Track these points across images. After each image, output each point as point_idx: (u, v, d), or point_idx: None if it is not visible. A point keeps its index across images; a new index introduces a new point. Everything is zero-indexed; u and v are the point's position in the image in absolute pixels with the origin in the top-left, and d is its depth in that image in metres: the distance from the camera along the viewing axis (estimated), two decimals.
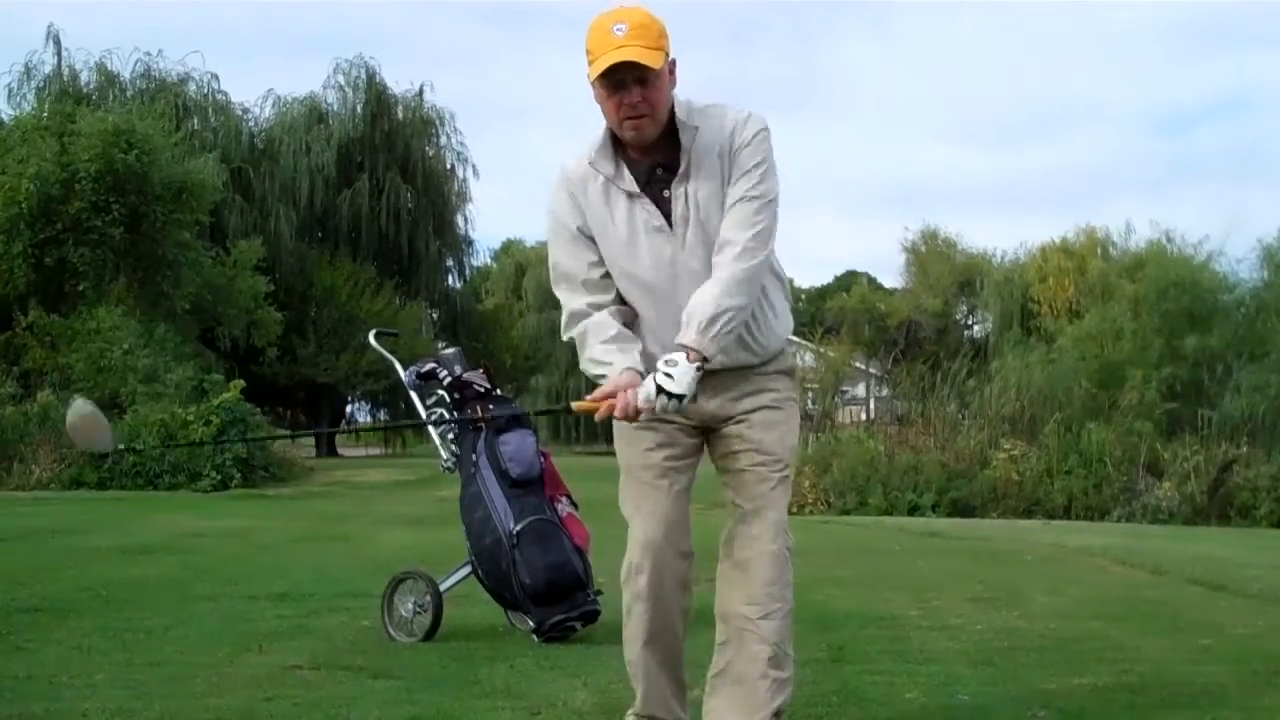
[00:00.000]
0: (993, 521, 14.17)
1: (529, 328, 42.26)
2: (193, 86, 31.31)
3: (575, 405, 3.06)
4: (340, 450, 36.72)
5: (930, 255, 39.77)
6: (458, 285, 37.70)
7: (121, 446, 3.56)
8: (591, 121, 3.09)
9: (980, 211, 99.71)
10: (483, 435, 5.21)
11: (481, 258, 44.37)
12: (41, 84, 29.10)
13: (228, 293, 25.40)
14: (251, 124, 32.86)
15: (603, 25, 2.96)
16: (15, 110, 27.43)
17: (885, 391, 28.64)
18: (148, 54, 30.58)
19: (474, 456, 5.19)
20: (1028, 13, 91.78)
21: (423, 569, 5.45)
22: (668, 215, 3.08)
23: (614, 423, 3.27)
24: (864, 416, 25.56)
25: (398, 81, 37.94)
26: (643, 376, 2.99)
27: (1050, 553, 9.43)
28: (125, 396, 20.49)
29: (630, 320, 3.15)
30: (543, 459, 5.29)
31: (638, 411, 2.96)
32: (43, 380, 21.21)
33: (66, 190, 21.87)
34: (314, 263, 31.45)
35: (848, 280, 50.78)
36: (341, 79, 34.01)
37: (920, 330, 38.38)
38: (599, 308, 3.13)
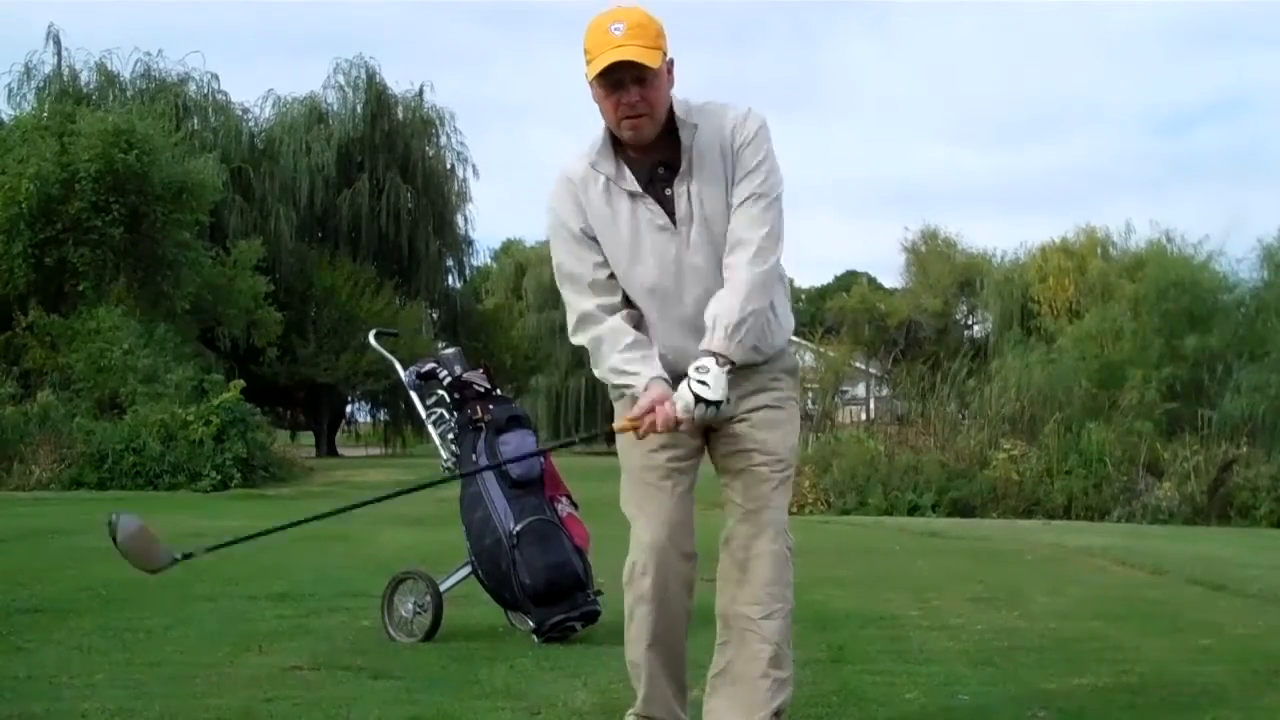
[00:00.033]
0: (993, 521, 14.17)
1: (529, 328, 42.23)
2: (193, 86, 31.35)
3: (616, 427, 3.04)
4: (340, 450, 36.76)
5: (930, 255, 39.76)
6: (458, 285, 37.71)
7: (178, 556, 3.49)
8: (591, 121, 3.11)
9: (980, 211, 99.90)
10: (483, 435, 5.21)
11: (481, 258, 44.44)
12: (41, 84, 29.12)
13: (228, 293, 25.40)
14: (251, 124, 32.88)
15: (600, 25, 2.96)
16: (15, 110, 27.50)
17: (885, 391, 28.64)
18: (148, 54, 30.65)
19: (474, 457, 5.19)
20: (1028, 13, 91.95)
21: (423, 569, 5.45)
22: (671, 214, 3.08)
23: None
24: (864, 416, 25.55)
25: (398, 81, 38.03)
26: (667, 384, 2.99)
27: (1050, 553, 9.42)
28: (125, 396, 20.51)
29: (638, 322, 3.14)
30: (543, 459, 5.29)
31: (678, 423, 2.97)
32: (43, 380, 21.22)
33: (66, 190, 21.87)
34: (314, 263, 31.45)
35: (848, 280, 50.77)
36: (341, 79, 34.07)
37: (920, 330, 38.36)
38: (608, 310, 3.11)
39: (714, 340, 2.98)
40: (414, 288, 34.42)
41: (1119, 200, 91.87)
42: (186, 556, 3.19)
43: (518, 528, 5.04)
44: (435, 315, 36.61)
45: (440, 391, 5.47)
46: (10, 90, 29.05)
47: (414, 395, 5.60)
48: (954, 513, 15.14)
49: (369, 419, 42.30)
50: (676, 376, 3.01)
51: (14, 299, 22.62)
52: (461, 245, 36.79)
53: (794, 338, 3.25)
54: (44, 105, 26.24)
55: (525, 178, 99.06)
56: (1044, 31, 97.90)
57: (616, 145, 3.08)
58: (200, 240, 24.92)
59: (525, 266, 46.43)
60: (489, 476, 5.14)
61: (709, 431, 3.21)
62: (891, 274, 55.43)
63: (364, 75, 33.85)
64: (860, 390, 30.68)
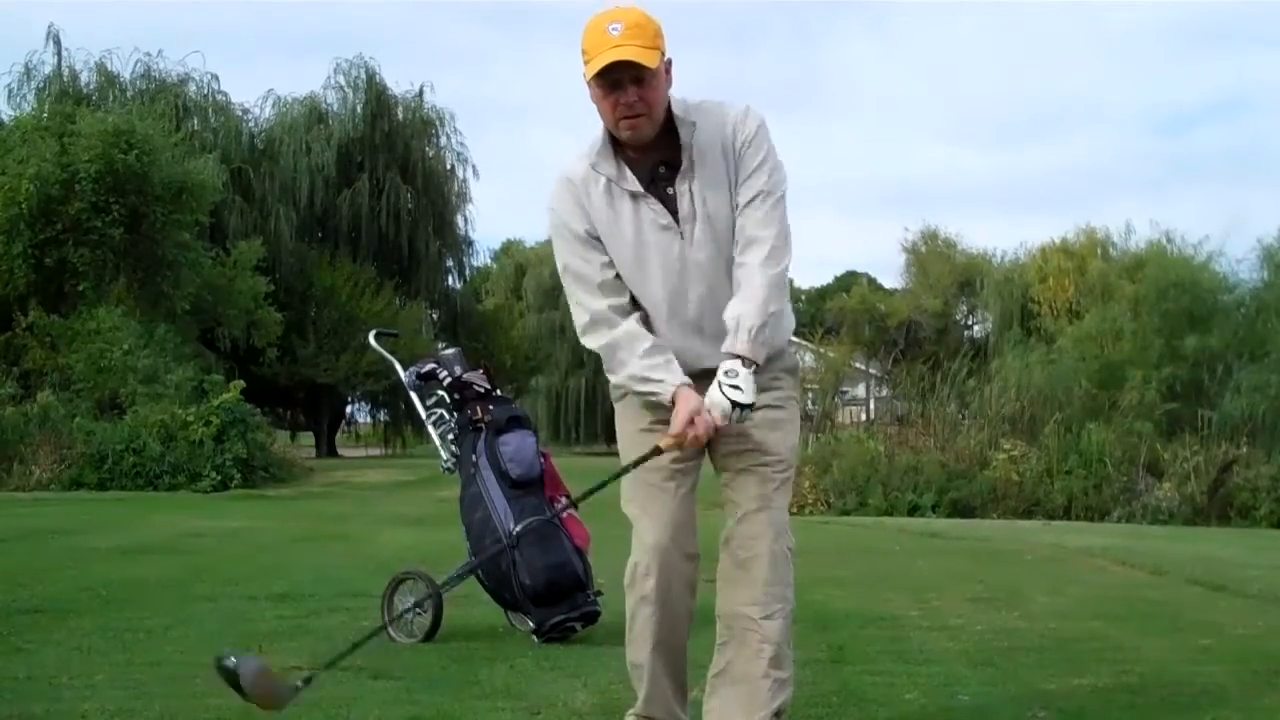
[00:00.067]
0: (993, 522, 14.17)
1: (529, 328, 42.27)
2: (193, 87, 31.33)
3: (663, 444, 3.03)
4: (340, 450, 36.75)
5: (930, 255, 39.73)
6: (458, 285, 37.71)
7: (299, 685, 3.44)
8: (591, 121, 3.11)
9: (980, 211, 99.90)
10: (483, 436, 5.21)
11: (481, 258, 44.43)
12: (41, 84, 29.10)
13: (228, 293, 25.39)
14: (251, 124, 32.88)
15: (598, 25, 2.95)
16: (15, 110, 27.46)
17: (885, 392, 28.62)
18: (148, 54, 30.63)
19: (474, 457, 5.19)
20: (1028, 13, 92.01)
21: (423, 569, 5.46)
22: (673, 213, 3.07)
23: (618, 424, 3.28)
24: (864, 416, 25.55)
25: (398, 82, 38.00)
26: (692, 389, 3.00)
27: (1050, 553, 9.42)
28: (125, 397, 20.51)
29: (646, 323, 3.14)
30: (543, 459, 5.29)
31: (717, 429, 2.99)
32: (43, 380, 21.21)
33: (66, 190, 21.86)
34: (314, 263, 31.44)
35: (848, 280, 50.75)
36: (341, 79, 34.07)
37: (920, 330, 38.35)
38: (620, 311, 3.10)
39: (738, 343, 2.98)
40: (414, 288, 34.42)
41: (1119, 200, 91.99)
42: (306, 682, 3.13)
43: (518, 528, 5.04)
44: (435, 316, 36.60)
45: (440, 392, 5.46)
46: (10, 90, 29.10)
47: (414, 396, 5.60)
48: (954, 513, 15.14)
49: (369, 419, 42.32)
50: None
51: (14, 299, 22.61)
52: (461, 245, 36.82)
53: (794, 338, 3.26)
54: (44, 105, 26.22)
55: (525, 178, 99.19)
56: (1044, 31, 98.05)
57: (616, 145, 3.08)
58: (200, 240, 24.90)
59: (525, 267, 46.48)
60: (489, 477, 5.14)
61: None
62: (891, 274, 55.53)
63: (364, 75, 33.87)
64: (860, 390, 30.67)
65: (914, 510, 15.33)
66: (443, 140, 35.21)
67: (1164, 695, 4.04)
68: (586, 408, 41.12)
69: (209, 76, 31.79)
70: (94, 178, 21.62)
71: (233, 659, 3.04)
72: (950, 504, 15.41)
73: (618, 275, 3.12)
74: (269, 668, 3.11)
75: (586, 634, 5.07)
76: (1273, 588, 6.86)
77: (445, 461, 5.43)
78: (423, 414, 5.56)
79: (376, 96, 33.68)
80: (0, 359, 21.99)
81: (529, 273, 45.04)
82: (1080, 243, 33.63)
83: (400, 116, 34.24)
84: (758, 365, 2.99)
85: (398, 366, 5.71)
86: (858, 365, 32.09)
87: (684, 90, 3.09)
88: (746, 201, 3.05)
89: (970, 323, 41.10)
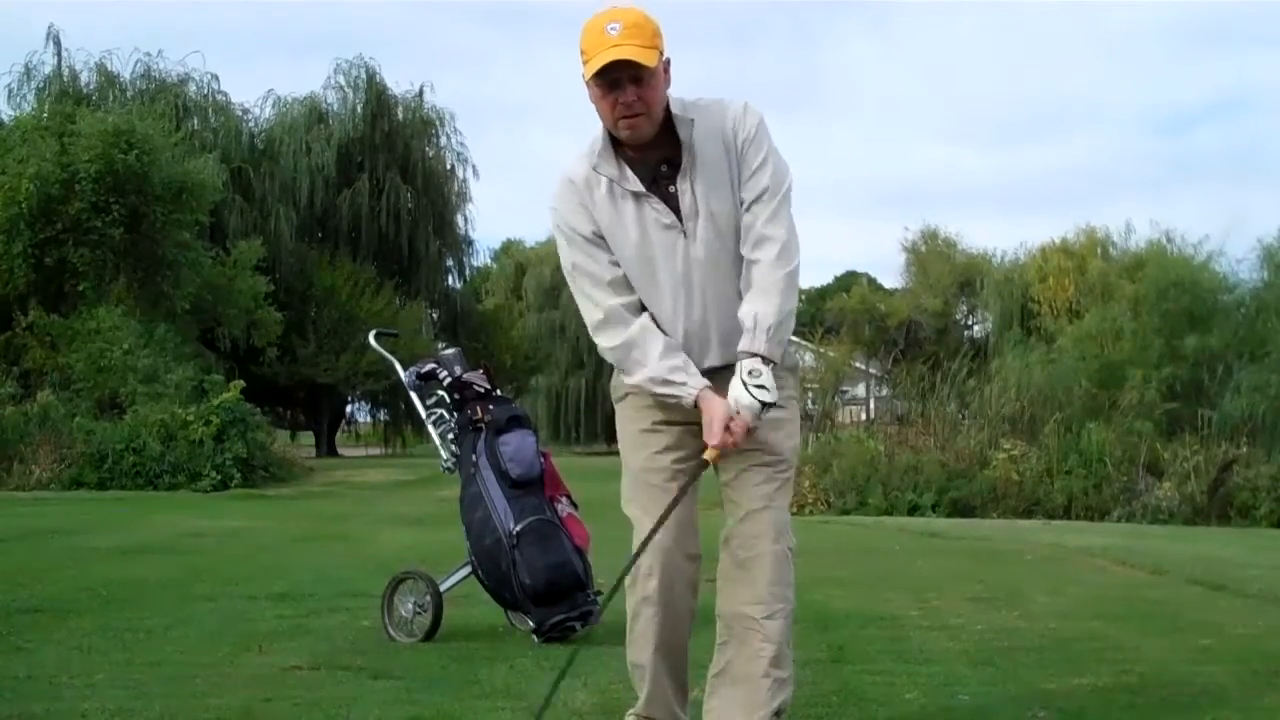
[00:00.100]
0: (993, 521, 14.16)
1: (529, 328, 42.26)
2: (193, 87, 31.36)
3: (710, 457, 3.02)
4: (340, 450, 36.76)
5: (930, 255, 39.74)
6: (458, 285, 37.72)
7: None
8: (591, 121, 3.10)
9: (980, 211, 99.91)
10: (483, 435, 5.20)
11: (481, 258, 44.43)
12: (41, 84, 29.11)
13: (228, 293, 25.40)
14: (251, 124, 32.89)
15: (597, 25, 2.95)
16: (15, 110, 27.48)
17: (885, 391, 28.63)
18: (148, 54, 30.66)
19: (474, 457, 5.19)
20: (1028, 13, 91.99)
21: (423, 569, 5.46)
22: (676, 211, 3.07)
23: (619, 425, 3.27)
24: (864, 416, 25.54)
25: (398, 82, 38.02)
26: (712, 391, 3.01)
27: (1050, 553, 9.42)
28: (125, 396, 20.51)
29: (653, 321, 3.14)
30: (543, 459, 5.28)
31: (750, 431, 3.00)
32: (43, 380, 21.22)
33: (66, 190, 21.87)
34: (314, 263, 31.45)
35: (848, 280, 50.73)
36: (341, 79, 34.08)
37: (920, 330, 38.35)
38: (632, 308, 3.10)
39: (757, 342, 2.98)
40: (414, 288, 34.42)
41: (1119, 200, 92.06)
42: None
43: (518, 528, 5.04)
44: (435, 315, 36.61)
45: (440, 392, 5.46)
46: (10, 90, 29.11)
47: (414, 395, 5.60)
48: (954, 513, 15.13)
49: (369, 419, 42.34)
50: None
51: (14, 299, 22.62)
52: (461, 245, 36.82)
53: (794, 337, 3.26)
54: (44, 105, 26.23)
55: (525, 178, 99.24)
56: (1044, 31, 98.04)
57: (616, 145, 3.07)
58: (200, 240, 24.92)
59: (525, 266, 46.46)
60: (489, 477, 5.14)
61: None
62: (891, 274, 55.48)
63: (364, 75, 33.88)
64: (860, 390, 30.68)
65: (914, 510, 15.32)
66: (443, 140, 35.28)
67: (1164, 695, 4.04)
68: (586, 408, 41.11)
69: (209, 76, 31.89)
70: (94, 177, 21.63)
71: None
72: (950, 504, 15.40)
73: (624, 275, 3.12)
74: None
75: (586, 634, 5.07)
76: (1273, 588, 6.86)
77: (445, 461, 5.43)
78: (423, 414, 5.56)
79: (376, 96, 33.69)
80: (0, 359, 22.00)
81: (529, 272, 45.03)
82: (1080, 243, 33.65)
83: (400, 116, 34.25)
84: (774, 364, 3.00)
85: (398, 366, 5.71)
86: (858, 365, 32.10)
87: (683, 90, 3.09)
88: (753, 199, 3.05)
89: (970, 322, 41.12)
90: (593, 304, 3.12)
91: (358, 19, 66.34)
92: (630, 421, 3.22)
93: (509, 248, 53.56)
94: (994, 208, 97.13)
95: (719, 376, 3.07)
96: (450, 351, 5.55)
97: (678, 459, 3.16)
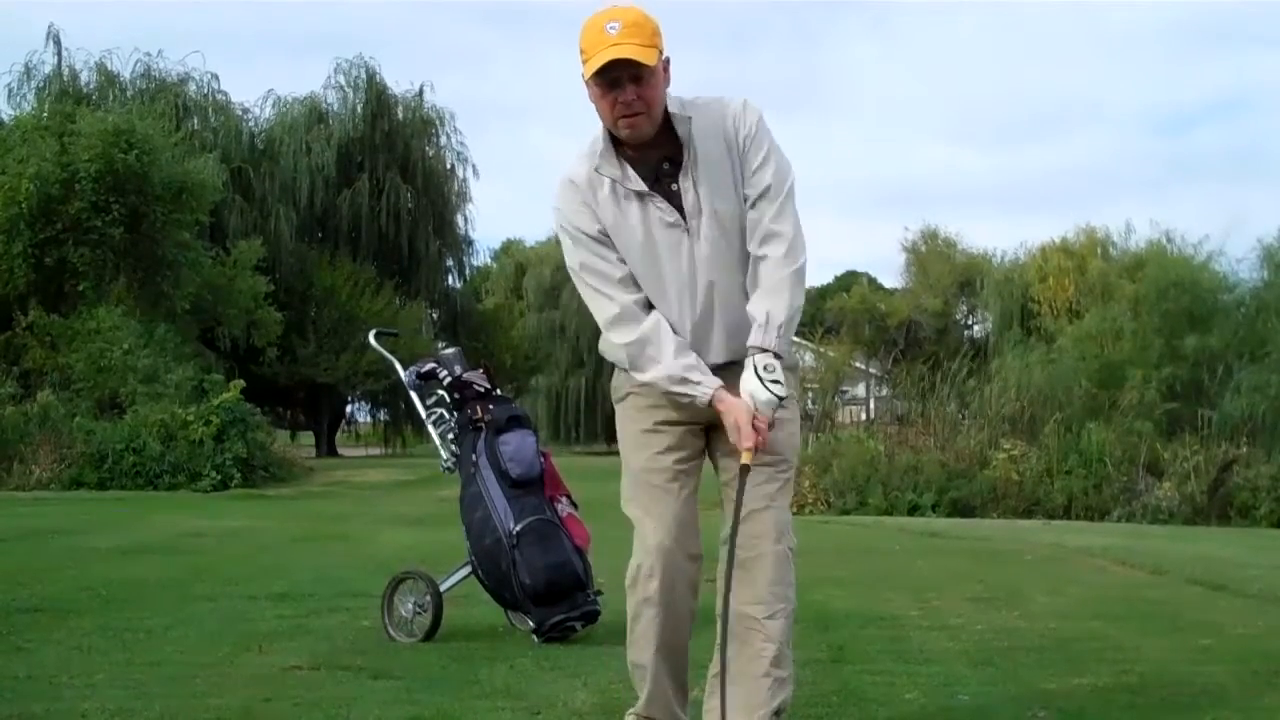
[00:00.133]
0: (993, 521, 14.17)
1: (529, 328, 42.26)
2: (193, 86, 31.34)
3: (747, 460, 3.02)
4: (340, 450, 36.76)
5: (930, 255, 39.74)
6: (458, 285, 37.71)
7: None
8: (591, 121, 3.10)
9: (980, 211, 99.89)
10: (483, 435, 5.20)
11: (481, 258, 44.42)
12: (41, 84, 29.10)
13: (228, 293, 25.40)
14: (251, 124, 32.88)
15: (596, 24, 2.95)
16: (15, 110, 27.47)
17: (885, 391, 28.64)
18: (148, 54, 30.64)
19: (474, 457, 5.19)
20: (1028, 13, 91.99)
21: (423, 569, 5.45)
22: (679, 209, 3.07)
23: (620, 425, 3.27)
24: (864, 416, 25.56)
25: (398, 81, 38.00)
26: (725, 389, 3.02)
27: (1050, 553, 9.42)
28: (125, 396, 20.52)
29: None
30: (543, 459, 5.29)
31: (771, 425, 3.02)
32: (43, 380, 21.22)
33: (66, 190, 21.87)
34: (314, 263, 31.44)
35: (848, 280, 50.71)
36: (341, 79, 34.07)
37: (920, 330, 38.36)
38: (641, 305, 3.10)
39: (769, 338, 2.99)
40: (414, 288, 34.42)
41: (1119, 200, 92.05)
42: None
43: (518, 528, 5.04)
44: (435, 315, 36.61)
45: (440, 391, 5.46)
46: (10, 90, 29.09)
47: (414, 395, 5.60)
48: (954, 513, 15.13)
49: (369, 419, 42.33)
50: None
51: (14, 299, 22.61)
52: (461, 245, 36.81)
53: (794, 337, 3.26)
54: (44, 105, 26.23)
55: (525, 178, 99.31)
56: (1044, 31, 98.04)
57: (616, 145, 3.07)
58: (200, 240, 24.91)
59: (525, 266, 46.46)
60: (489, 476, 5.14)
61: (710, 430, 3.20)
62: (891, 274, 55.51)
63: (364, 75, 33.87)
64: (860, 390, 30.69)
65: (914, 510, 15.32)
66: (443, 140, 35.27)
67: (1164, 695, 4.04)
68: (586, 407, 41.10)
69: (209, 76, 31.87)
70: (94, 177, 21.63)
71: None
72: (950, 504, 15.40)
73: (630, 272, 3.12)
74: None
75: (586, 633, 5.07)
76: (1273, 588, 6.86)
77: (445, 461, 5.43)
78: (423, 413, 5.56)
79: (376, 96, 33.68)
80: (0, 359, 22.00)
81: (529, 272, 45.03)
82: (1080, 242, 33.65)
83: (400, 116, 34.24)
84: (782, 359, 3.02)
85: (398, 366, 5.71)
86: (858, 365, 32.10)
87: (683, 90, 3.09)
88: (757, 195, 3.05)
89: (970, 322, 41.13)
90: (606, 299, 3.11)
91: (358, 19, 66.43)
92: (631, 421, 3.22)
93: (509, 247, 53.61)
94: (994, 208, 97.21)
95: (721, 373, 3.08)
96: (450, 351, 5.55)
97: (679, 459, 3.17)
